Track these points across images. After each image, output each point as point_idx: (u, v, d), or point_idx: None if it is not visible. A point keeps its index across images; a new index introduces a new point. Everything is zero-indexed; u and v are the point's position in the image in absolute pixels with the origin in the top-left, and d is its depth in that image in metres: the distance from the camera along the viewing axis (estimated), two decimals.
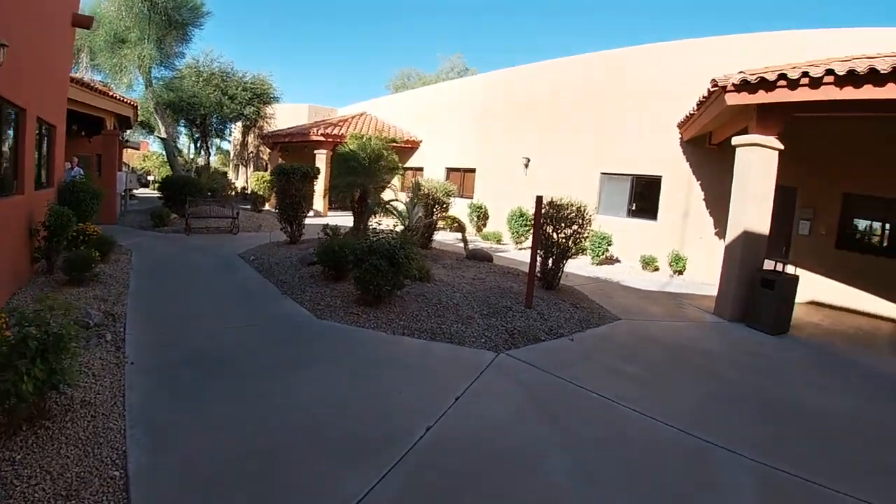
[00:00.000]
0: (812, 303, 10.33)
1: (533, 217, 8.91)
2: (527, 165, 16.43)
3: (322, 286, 8.28)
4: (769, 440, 4.42)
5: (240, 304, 7.56)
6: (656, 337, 7.19)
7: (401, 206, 12.55)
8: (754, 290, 8.08)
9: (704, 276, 11.66)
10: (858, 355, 7.16)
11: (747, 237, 8.35)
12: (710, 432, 4.44)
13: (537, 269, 8.40)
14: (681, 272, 12.61)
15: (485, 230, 17.59)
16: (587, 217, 8.95)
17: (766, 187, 8.34)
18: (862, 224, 10.52)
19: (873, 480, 3.89)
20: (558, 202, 8.95)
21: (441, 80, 34.89)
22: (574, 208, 8.87)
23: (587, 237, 9.34)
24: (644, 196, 14.08)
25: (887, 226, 10.18)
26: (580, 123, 15.32)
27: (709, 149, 12.22)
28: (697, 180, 12.65)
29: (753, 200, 8.33)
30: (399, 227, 11.77)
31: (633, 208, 14.27)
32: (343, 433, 4.06)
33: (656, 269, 12.97)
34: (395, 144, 15.39)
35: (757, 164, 8.29)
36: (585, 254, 13.40)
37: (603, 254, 12.90)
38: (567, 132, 15.70)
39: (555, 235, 8.87)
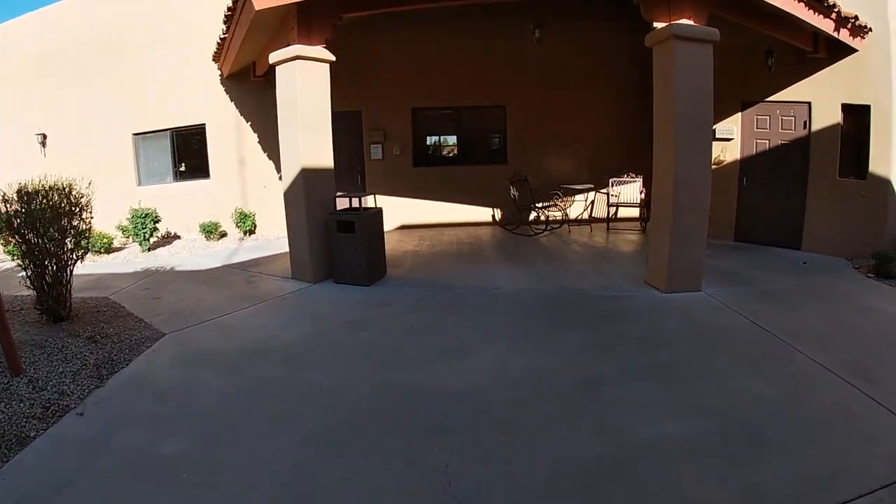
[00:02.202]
0: (402, 227, 9.81)
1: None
2: (44, 143, 11.20)
3: None
4: None
5: None
6: (218, 353, 4.61)
7: None
8: (332, 238, 6.45)
9: (280, 229, 9.72)
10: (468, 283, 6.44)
11: (307, 175, 6.49)
12: None
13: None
14: (251, 232, 10.44)
15: None
16: (82, 202, 5.66)
17: (322, 110, 6.54)
18: (432, 138, 10.44)
19: None
20: (31, 191, 5.37)
21: None
22: (57, 195, 5.45)
23: (89, 231, 5.96)
24: (191, 153, 10.98)
25: (454, 138, 10.31)
26: (106, 80, 10.63)
27: (255, 81, 9.92)
28: (247, 121, 10.41)
29: (307, 129, 6.47)
30: None
31: (182, 170, 11.14)
32: None
33: (223, 236, 10.44)
34: None
35: (304, 83, 6.37)
36: (123, 245, 9.90)
37: (151, 235, 9.65)
38: (94, 92, 10.75)
39: (39, 242, 5.32)
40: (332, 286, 6.43)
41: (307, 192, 6.49)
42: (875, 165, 7.51)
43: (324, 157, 6.65)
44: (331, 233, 6.42)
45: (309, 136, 6.49)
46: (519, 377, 3.94)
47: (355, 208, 6.78)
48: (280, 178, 9.83)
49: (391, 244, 8.32)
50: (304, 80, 6.39)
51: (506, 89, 9.89)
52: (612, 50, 10.23)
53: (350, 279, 6.32)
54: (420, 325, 5.07)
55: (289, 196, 6.76)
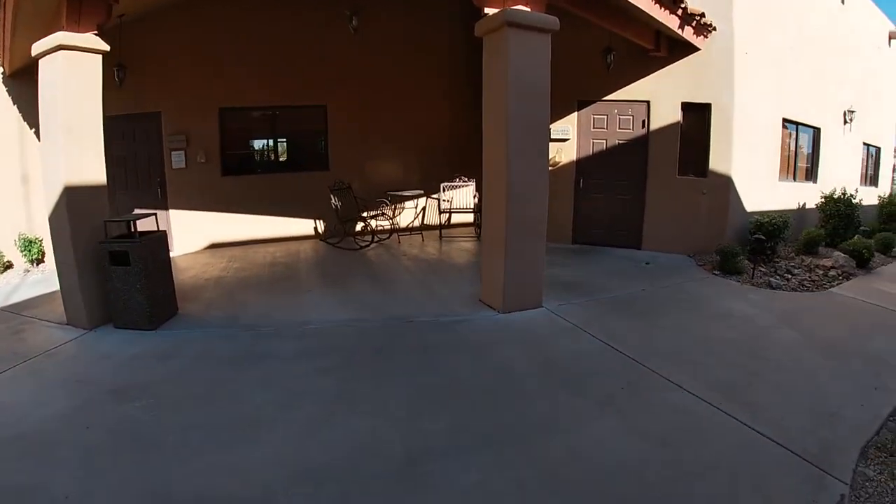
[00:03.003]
0: (213, 246, 8.33)
1: None
2: None
3: None
4: None
5: None
6: None
7: None
8: (106, 272, 4.90)
9: None
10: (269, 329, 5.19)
11: (72, 195, 4.84)
12: None
13: None
14: (39, 261, 8.38)
15: None
16: None
17: (90, 113, 4.90)
18: (245, 143, 8.95)
19: None
20: None
21: None
22: None
23: None
24: None
25: (269, 142, 8.96)
26: None
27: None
28: (32, 128, 8.34)
29: (71, 137, 4.84)
30: None
31: None
32: None
33: (8, 267, 8.26)
34: None
35: (68, 78, 4.75)
36: None
37: None
38: None
39: None
40: (110, 333, 4.91)
41: (73, 217, 4.88)
42: (715, 163, 7.52)
43: (92, 172, 5.06)
44: (103, 266, 4.94)
45: (73, 147, 4.87)
46: (323, 464, 2.84)
47: (131, 234, 5.17)
48: None
49: (195, 269, 6.92)
50: (68, 76, 4.75)
51: (326, 86, 8.76)
52: (444, 41, 9.56)
53: (130, 322, 4.86)
54: (203, 388, 3.75)
55: (53, 222, 5.09)
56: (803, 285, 6.72)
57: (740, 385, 3.62)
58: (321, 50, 8.58)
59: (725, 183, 7.52)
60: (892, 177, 14.55)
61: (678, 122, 7.61)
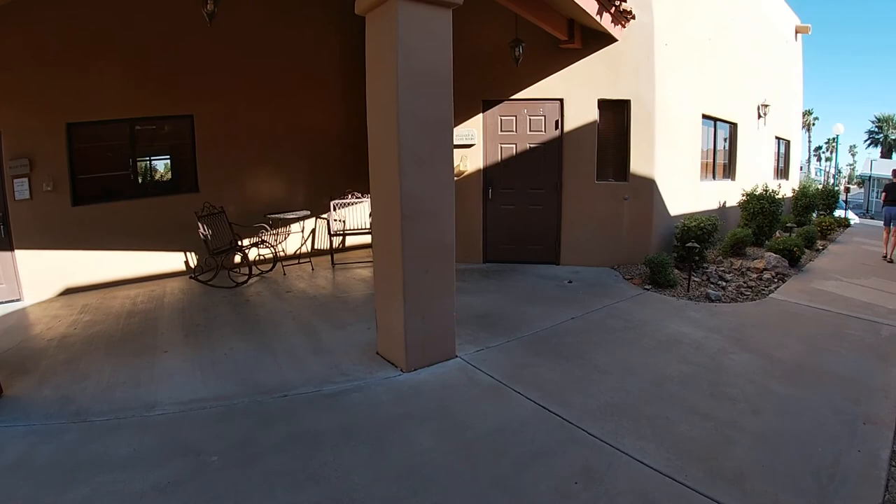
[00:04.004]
0: (69, 291, 6.67)
1: None
2: None
3: None
4: None
5: None
6: None
7: None
8: None
9: None
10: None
11: None
12: None
13: None
14: None
15: None
16: None
17: None
18: (99, 164, 7.24)
19: None
20: None
21: None
22: None
23: None
24: None
25: (128, 162, 7.30)
26: None
27: None
28: None
29: None
30: None
31: None
32: None
33: None
34: None
35: None
36: None
37: None
38: None
39: None
40: None
41: None
42: (637, 164, 6.83)
43: None
44: None
45: None
46: None
47: None
48: None
49: (40, 325, 5.37)
50: None
51: (192, 93, 7.31)
52: (331, 33, 8.36)
53: None
54: None
55: None
56: (742, 293, 6.18)
57: (716, 445, 2.84)
58: (182, 49, 7.12)
59: (648, 186, 6.85)
60: (801, 169, 14.91)
61: (595, 122, 6.87)
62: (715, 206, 8.73)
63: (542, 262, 7.19)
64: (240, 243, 6.82)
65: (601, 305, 5.39)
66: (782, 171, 12.75)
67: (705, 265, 7.03)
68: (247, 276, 6.72)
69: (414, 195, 3.68)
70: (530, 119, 7.09)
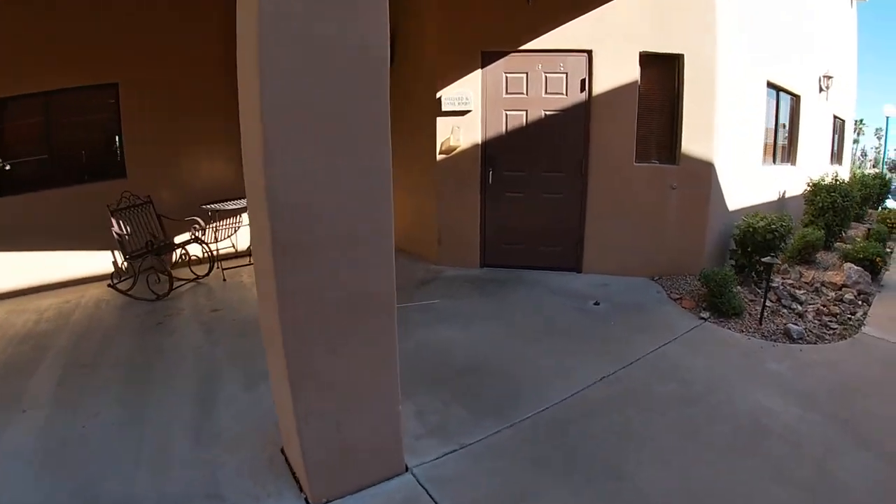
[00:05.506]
0: None
1: None
2: None
3: None
4: None
5: None
6: None
7: None
8: None
9: None
10: None
11: None
12: None
13: None
14: None
15: None
16: None
17: None
18: (4, 147, 5.55)
19: None
20: None
21: None
22: None
23: None
24: None
25: (41, 144, 5.66)
26: None
27: None
28: None
29: None
30: None
31: None
32: None
33: None
34: None
35: None
36: None
37: None
38: None
39: None
40: None
41: None
42: (690, 142, 5.05)
43: None
44: None
45: None
46: None
47: None
48: None
49: None
50: None
51: (117, 54, 5.61)
52: None
53: None
54: None
55: None
56: (826, 325, 4.55)
57: None
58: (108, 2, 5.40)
59: (706, 171, 5.10)
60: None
61: (635, 83, 5.08)
62: (775, 197, 6.98)
63: (557, 269, 5.47)
64: (168, 242, 5.23)
65: (643, 351, 3.70)
66: (836, 156, 10.88)
67: (771, 278, 5.34)
68: (167, 287, 5.04)
69: (297, 202, 1.92)
70: (546, 77, 5.28)
